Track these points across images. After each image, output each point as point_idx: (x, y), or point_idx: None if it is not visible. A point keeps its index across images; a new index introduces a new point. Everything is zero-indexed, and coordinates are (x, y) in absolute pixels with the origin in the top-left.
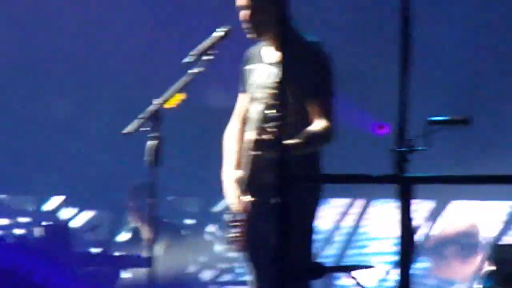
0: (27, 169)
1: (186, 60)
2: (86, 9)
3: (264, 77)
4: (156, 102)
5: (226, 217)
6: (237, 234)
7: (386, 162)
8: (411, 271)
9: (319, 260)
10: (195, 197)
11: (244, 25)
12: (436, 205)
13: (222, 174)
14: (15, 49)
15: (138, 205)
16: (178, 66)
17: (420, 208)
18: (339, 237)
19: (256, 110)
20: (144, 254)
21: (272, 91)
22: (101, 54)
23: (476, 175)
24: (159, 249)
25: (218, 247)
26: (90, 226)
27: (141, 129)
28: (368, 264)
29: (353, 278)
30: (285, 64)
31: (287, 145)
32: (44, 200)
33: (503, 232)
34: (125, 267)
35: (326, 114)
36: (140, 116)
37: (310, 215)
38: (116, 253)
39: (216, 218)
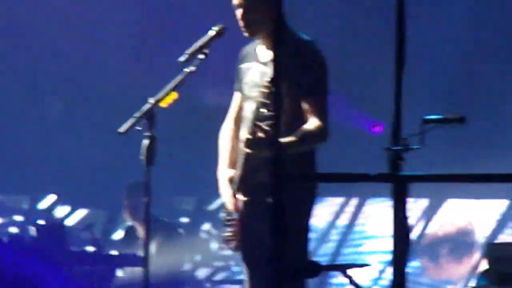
0: (21, 168)
1: (181, 58)
2: (81, 8)
3: (259, 76)
4: (150, 101)
5: (221, 216)
6: (232, 233)
7: (381, 161)
8: (406, 270)
9: (314, 258)
10: (190, 195)
11: (239, 24)
12: (431, 204)
13: (217, 173)
14: (9, 48)
15: (134, 204)
16: (173, 65)
17: (415, 206)
18: (334, 236)
19: (250, 109)
20: (140, 252)
21: (266, 90)
22: (94, 53)
23: (471, 174)
24: (154, 248)
25: (214, 245)
26: (85, 224)
27: (136, 128)
28: (364, 262)
29: (348, 276)
30: (280, 63)
31: (281, 143)
32: (39, 199)
33: (498, 231)
34: (120, 266)
35: (321, 113)
36: (135, 115)
37: (305, 214)
38: (112, 252)
39: (211, 217)
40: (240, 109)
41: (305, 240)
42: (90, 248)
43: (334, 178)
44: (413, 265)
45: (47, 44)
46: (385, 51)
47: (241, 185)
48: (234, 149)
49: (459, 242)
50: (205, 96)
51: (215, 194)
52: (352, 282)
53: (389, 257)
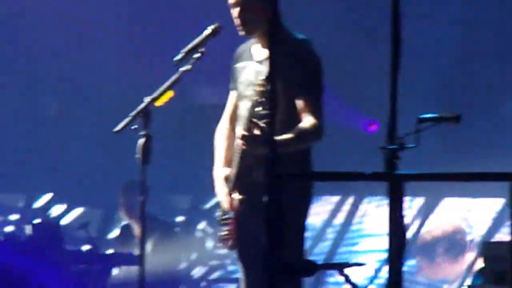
0: (17, 167)
1: (176, 57)
2: (77, 8)
3: (254, 75)
4: (146, 100)
5: (217, 214)
6: (228, 232)
7: (377, 160)
8: (402, 269)
9: (310, 257)
10: (186, 194)
11: (235, 23)
12: (427, 203)
13: (213, 171)
14: (5, 48)
15: (130, 202)
16: (169, 64)
17: (411, 205)
18: (330, 235)
19: (245, 107)
20: (135, 251)
21: (261, 88)
22: (90, 52)
23: (466, 172)
24: (150, 246)
25: (209, 244)
26: (80, 223)
27: (131, 127)
28: (360, 261)
29: (345, 275)
30: (275, 62)
31: (277, 141)
32: (35, 197)
33: (494, 230)
34: (116, 264)
35: (316, 111)
36: (131, 114)
37: (301, 213)
38: (107, 251)
39: (207, 215)
40: (236, 108)
41: (301, 239)
42: (86, 247)
43: (330, 176)
44: (409, 264)
45: (43, 43)
46: (380, 50)
47: (236, 184)
48: (230, 148)
49: (454, 241)
50: (201, 95)
51: (211, 192)
52: (348, 281)
53: (385, 255)
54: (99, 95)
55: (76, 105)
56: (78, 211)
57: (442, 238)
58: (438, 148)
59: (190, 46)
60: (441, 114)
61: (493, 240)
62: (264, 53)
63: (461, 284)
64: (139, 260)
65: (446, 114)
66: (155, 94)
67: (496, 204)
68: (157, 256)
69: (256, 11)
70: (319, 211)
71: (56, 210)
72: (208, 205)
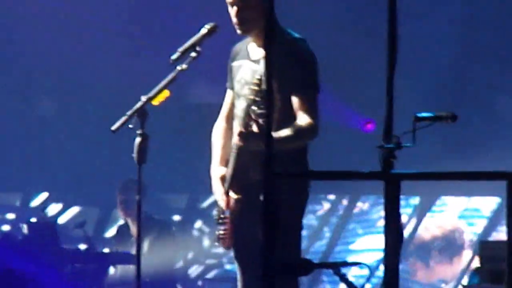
0: (13, 166)
1: (174, 56)
2: (73, 7)
3: (250, 74)
4: (142, 99)
5: (214, 214)
6: (224, 231)
7: (373, 159)
8: (398, 268)
9: (306, 256)
10: (182, 193)
11: (233, 21)
12: (423, 201)
13: (210, 171)
14: (1, 46)
15: (127, 201)
16: (166, 63)
17: (407, 204)
18: (326, 234)
19: (241, 107)
20: (132, 250)
21: (256, 87)
22: (87, 51)
23: (463, 172)
24: (147, 245)
25: (206, 243)
26: (77, 222)
27: (128, 126)
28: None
29: (341, 274)
30: (271, 61)
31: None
32: (31, 196)
33: (490, 229)
34: (113, 264)
35: (311, 110)
36: (127, 113)
37: (297, 212)
38: (104, 250)
39: (203, 214)
40: (233, 107)
41: (297, 238)
42: (82, 246)
43: (327, 176)
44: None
45: (40, 42)
46: (377, 49)
47: (233, 183)
48: (227, 147)
49: (452, 240)
50: (198, 94)
51: (208, 192)
52: (344, 280)
53: (381, 254)
54: (95, 95)
55: (73, 104)
56: (74, 210)
57: (440, 237)
58: (434, 147)
59: (186, 45)
60: (437, 113)
61: (489, 239)
62: (260, 52)
63: (458, 283)
64: (136, 259)
65: (442, 113)
66: (151, 93)
67: (492, 203)
68: (153, 255)
69: (254, 10)
70: (315, 210)
71: (52, 209)
72: (205, 204)
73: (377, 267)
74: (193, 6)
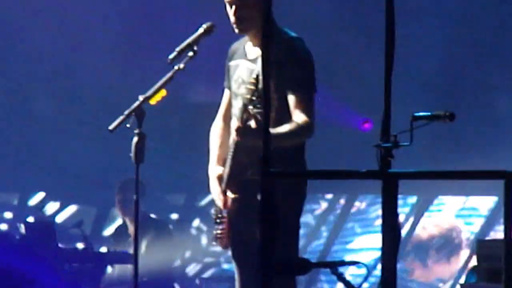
0: (11, 165)
1: (171, 56)
2: (72, 7)
3: (246, 73)
4: (140, 98)
5: (212, 213)
6: (222, 231)
7: (371, 158)
8: (396, 267)
9: (304, 255)
10: (180, 193)
11: (231, 20)
12: (420, 201)
13: (208, 170)
14: None
15: (125, 200)
16: (163, 63)
17: (404, 203)
18: (324, 233)
19: (238, 106)
20: (130, 250)
21: (253, 87)
22: (84, 50)
23: (460, 171)
24: (145, 245)
25: (204, 241)
26: (74, 222)
27: (125, 125)
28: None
29: (338, 274)
30: (268, 60)
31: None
32: (29, 196)
33: (487, 227)
34: (110, 263)
35: (307, 109)
36: (125, 112)
37: (295, 211)
38: (102, 249)
39: (201, 212)
40: (230, 106)
41: (295, 237)
42: (80, 245)
43: (324, 175)
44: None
45: (37, 42)
46: (374, 49)
47: (230, 182)
48: (224, 146)
49: (449, 240)
50: (196, 93)
51: (205, 191)
52: (342, 279)
53: (379, 254)
54: (93, 94)
55: (70, 104)
56: (72, 209)
57: (438, 236)
58: (432, 146)
59: (183, 44)
60: (435, 112)
61: (487, 238)
62: (257, 51)
63: (456, 282)
64: (134, 259)
65: (440, 112)
66: (148, 93)
67: (490, 202)
68: (151, 254)
69: (253, 9)
70: (313, 209)
71: (50, 207)
72: (203, 202)
73: (374, 266)
74: (190, 5)
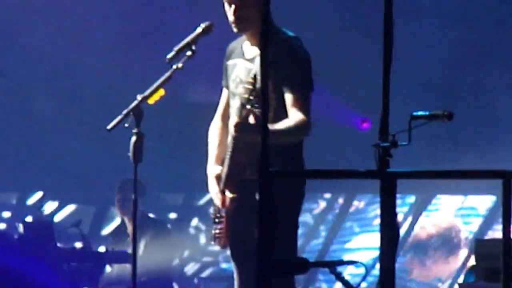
0: (9, 165)
1: (169, 55)
2: (69, 6)
3: (244, 73)
4: (139, 97)
5: (210, 212)
6: (220, 230)
7: (369, 157)
8: (394, 266)
9: (302, 255)
10: (179, 192)
11: (230, 19)
12: (419, 200)
13: (207, 169)
14: None
15: (124, 200)
16: (162, 62)
17: (403, 203)
18: (322, 232)
19: (236, 105)
20: (129, 249)
21: (250, 86)
22: (83, 50)
23: (459, 170)
24: (143, 245)
25: (202, 241)
26: (73, 222)
27: (123, 125)
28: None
29: (337, 273)
30: (267, 60)
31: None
32: (27, 195)
33: (486, 227)
34: (109, 262)
35: (304, 107)
36: (124, 112)
37: (293, 211)
38: (100, 249)
39: (199, 212)
40: (228, 105)
41: (293, 237)
42: (78, 245)
43: (322, 174)
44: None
45: (36, 42)
46: (373, 48)
47: (228, 182)
48: (222, 145)
49: (448, 239)
50: (194, 93)
51: (204, 190)
52: (340, 278)
53: (378, 253)
54: (92, 93)
55: (68, 103)
56: (70, 208)
57: (437, 235)
58: (430, 146)
59: (182, 44)
60: (433, 111)
61: (485, 237)
62: (254, 51)
63: (454, 282)
64: (133, 258)
65: (438, 111)
66: (147, 92)
67: (488, 201)
68: (150, 253)
69: (252, 8)
70: (311, 208)
71: (48, 207)
72: (201, 202)
73: (373, 266)
74: (188, 5)
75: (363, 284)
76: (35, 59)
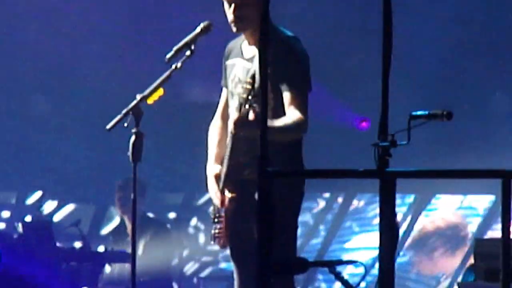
0: (9, 165)
1: (168, 55)
2: (67, 5)
3: (243, 72)
4: (138, 97)
5: (210, 212)
6: (220, 230)
7: (368, 157)
8: (393, 266)
9: (302, 254)
10: (178, 192)
11: (229, 18)
12: (418, 200)
13: (206, 168)
14: None
15: (125, 199)
16: (161, 62)
17: (402, 202)
18: (321, 232)
19: (235, 105)
20: (129, 249)
21: (248, 86)
22: (82, 50)
23: (458, 170)
24: (143, 245)
25: (201, 240)
26: (72, 221)
27: (123, 124)
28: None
29: (336, 273)
30: (266, 59)
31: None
32: (27, 195)
33: (485, 226)
34: (108, 262)
35: (301, 106)
36: (123, 111)
37: (292, 210)
38: (99, 248)
39: (199, 211)
40: (227, 105)
41: (293, 237)
42: (78, 244)
43: (322, 174)
44: (401, 260)
45: (33, 41)
46: (372, 48)
47: (227, 181)
48: (222, 145)
49: (455, 234)
50: (193, 92)
51: (203, 190)
52: (339, 278)
53: (377, 253)
54: (90, 93)
55: (67, 103)
56: (70, 208)
57: (444, 229)
58: (429, 145)
59: (181, 43)
60: (432, 111)
61: (484, 237)
62: (253, 50)
63: (454, 280)
64: (132, 258)
65: (437, 111)
66: (146, 92)
67: (488, 201)
68: (149, 253)
69: (252, 8)
70: (311, 208)
71: (47, 206)
72: (200, 201)
73: (372, 265)
74: (187, 4)
75: (362, 284)
76: (34, 59)
